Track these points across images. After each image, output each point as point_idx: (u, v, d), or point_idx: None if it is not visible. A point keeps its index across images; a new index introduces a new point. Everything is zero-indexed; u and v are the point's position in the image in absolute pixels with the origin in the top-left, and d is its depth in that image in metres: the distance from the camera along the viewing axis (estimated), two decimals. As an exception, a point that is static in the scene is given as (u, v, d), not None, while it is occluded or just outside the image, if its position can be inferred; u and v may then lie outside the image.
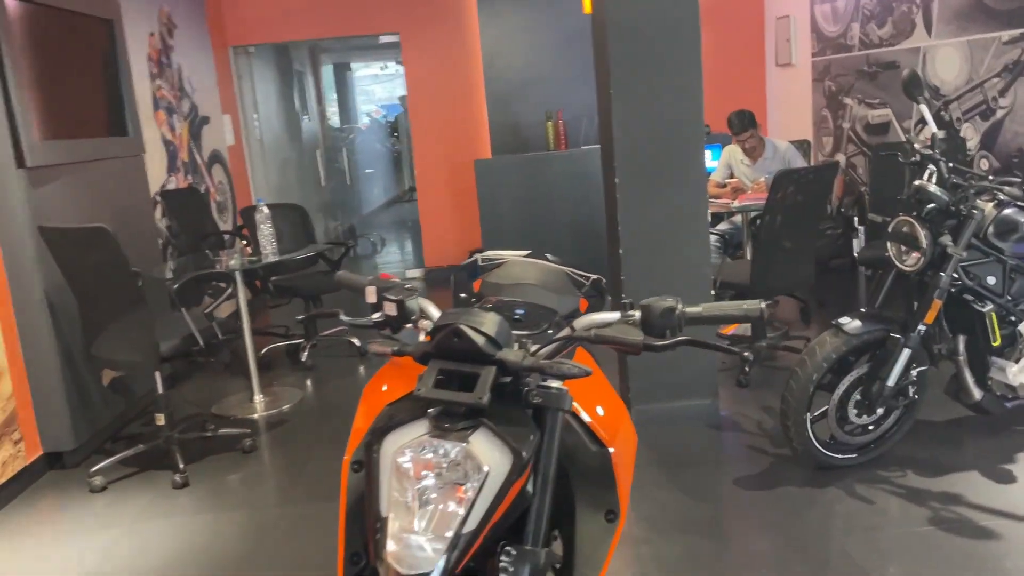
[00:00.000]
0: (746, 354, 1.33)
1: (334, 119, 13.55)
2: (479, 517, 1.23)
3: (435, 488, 1.25)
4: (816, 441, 3.17)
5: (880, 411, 3.15)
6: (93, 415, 4.04)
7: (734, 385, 4.26)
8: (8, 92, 3.57)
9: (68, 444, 3.87)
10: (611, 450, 1.48)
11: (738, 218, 5.22)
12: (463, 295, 2.41)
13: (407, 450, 1.29)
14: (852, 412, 3.14)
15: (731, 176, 5.43)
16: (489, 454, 1.26)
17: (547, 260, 2.55)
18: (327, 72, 13.83)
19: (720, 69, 7.12)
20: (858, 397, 3.12)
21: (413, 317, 1.56)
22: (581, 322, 1.45)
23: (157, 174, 5.41)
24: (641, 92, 3.55)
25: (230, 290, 3.81)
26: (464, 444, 1.26)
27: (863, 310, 3.14)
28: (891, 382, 3.05)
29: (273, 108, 8.67)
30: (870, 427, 3.20)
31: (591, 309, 2.46)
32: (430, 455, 1.27)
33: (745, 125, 5.08)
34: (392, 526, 1.25)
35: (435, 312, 1.57)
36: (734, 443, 3.61)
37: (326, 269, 5.64)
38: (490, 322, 1.32)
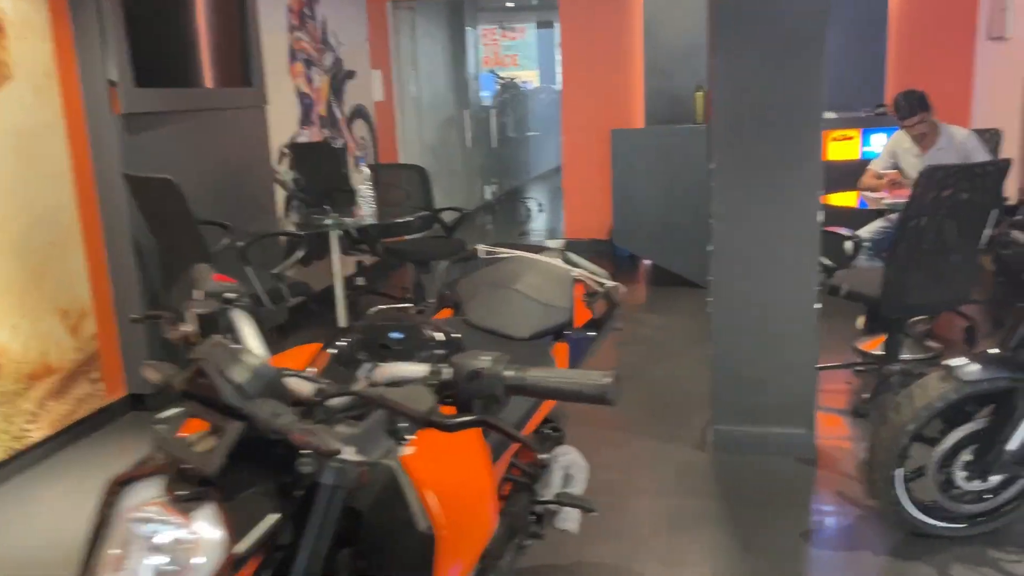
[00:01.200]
0: (542, 461, 0.94)
1: (535, 79, 13.45)
2: None
3: (149, 570, 0.98)
4: (910, 503, 2.59)
5: (996, 479, 2.51)
6: (177, 361, 4.12)
7: (850, 413, 3.65)
8: (105, 37, 3.62)
9: (148, 387, 3.97)
10: (435, 534, 1.15)
11: (896, 216, 4.47)
12: (446, 292, 2.11)
13: (139, 512, 1.02)
14: (960, 475, 2.53)
15: (896, 167, 4.66)
16: (208, 539, 0.97)
17: (563, 259, 2.18)
18: (530, 30, 13.71)
19: (919, 41, 6.17)
20: (969, 457, 2.51)
21: (218, 337, 1.28)
22: (382, 372, 1.11)
23: (288, 126, 5.45)
24: (749, 63, 3.02)
25: (299, 252, 3.72)
26: (182, 522, 0.98)
27: (991, 351, 2.51)
28: (1013, 446, 2.41)
29: (437, 65, 8.61)
30: (987, 495, 2.57)
31: (596, 323, 2.08)
32: (150, 526, 1.00)
33: (914, 108, 4.31)
34: None
35: (248, 334, 1.28)
36: (822, 485, 3.07)
37: (441, 235, 5.48)
38: (244, 365, 1.02)
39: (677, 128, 5.84)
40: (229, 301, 1.30)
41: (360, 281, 5.65)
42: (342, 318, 4.45)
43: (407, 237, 5.94)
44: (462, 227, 5.27)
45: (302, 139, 5.63)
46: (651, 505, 2.95)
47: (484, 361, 1.02)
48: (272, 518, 0.99)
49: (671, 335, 4.82)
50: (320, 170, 5.74)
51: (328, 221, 4.29)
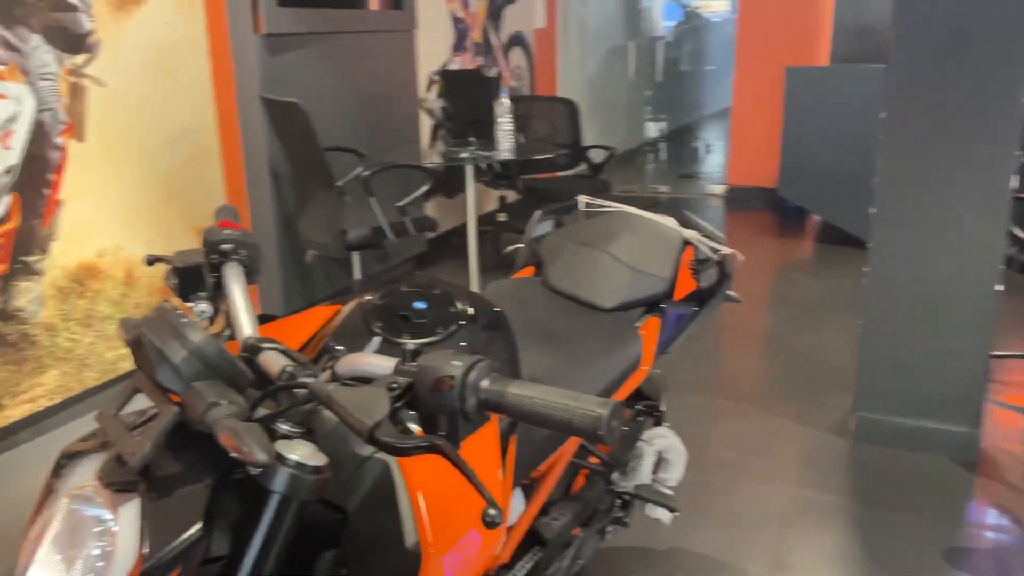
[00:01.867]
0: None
1: (726, 8, 12.58)
2: None
3: (70, 559, 0.85)
4: (1086, 537, 2.15)
5: None
6: (308, 288, 4.16)
7: (1029, 412, 3.14)
8: (251, -44, 3.57)
9: (279, 310, 4.03)
10: (422, 551, 0.95)
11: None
12: (532, 247, 1.88)
13: (77, 490, 0.89)
14: None
15: None
16: (127, 537, 0.82)
17: (679, 219, 1.89)
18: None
19: None
20: None
21: (203, 295, 1.11)
22: (346, 363, 0.90)
23: (439, 52, 5.30)
24: (942, -8, 2.52)
25: (426, 186, 3.57)
26: (107, 513, 0.84)
27: None
28: None
29: (608, -9, 8.17)
30: None
31: (701, 296, 1.79)
32: (78, 512, 0.86)
33: None
34: None
35: (237, 295, 1.10)
36: (981, 495, 2.63)
37: (587, 173, 5.21)
38: (183, 341, 0.84)
39: (860, 68, 5.18)
40: (224, 254, 1.14)
41: (502, 217, 5.49)
42: (473, 254, 4.32)
43: (558, 175, 5.71)
44: (621, 166, 4.95)
45: (453, 66, 5.47)
46: (768, 493, 2.65)
47: (454, 367, 0.80)
48: (193, 528, 0.83)
49: (825, 301, 4.36)
50: (470, 100, 5.57)
51: (464, 154, 4.13)
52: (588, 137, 6.73)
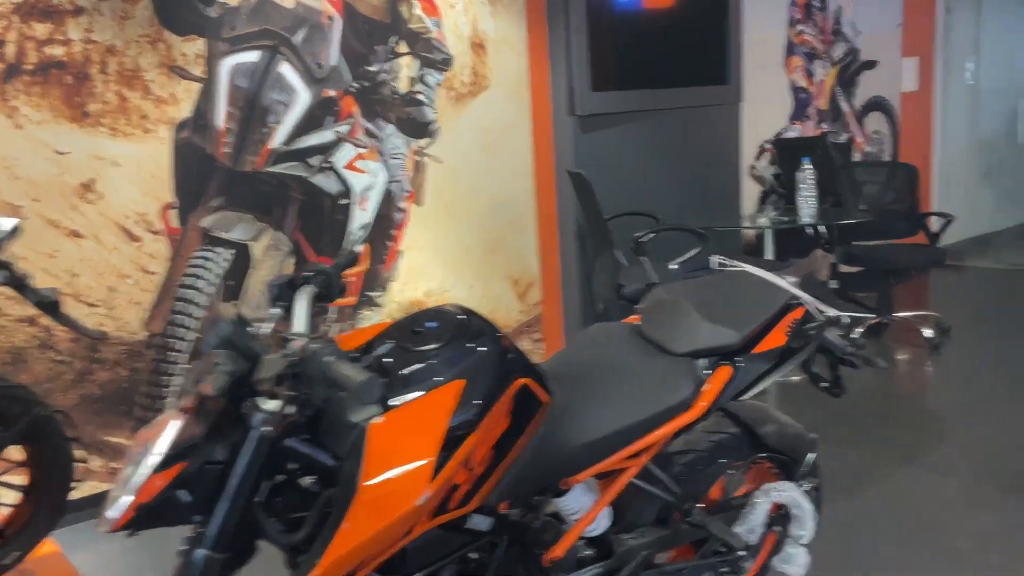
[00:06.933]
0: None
1: None
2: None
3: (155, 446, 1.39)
4: None
5: None
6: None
7: None
8: (570, 48, 4.19)
9: (580, 354, 4.53)
10: (355, 496, 1.34)
11: None
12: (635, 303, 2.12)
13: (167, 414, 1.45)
14: None
15: None
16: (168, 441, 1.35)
17: (804, 283, 2.00)
18: None
19: None
20: None
21: (280, 304, 1.59)
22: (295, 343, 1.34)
23: (774, 121, 5.44)
24: None
25: (696, 249, 3.77)
26: (173, 422, 1.38)
27: None
28: None
29: (1014, 47, 7.39)
30: None
31: (785, 354, 1.87)
32: (164, 422, 1.41)
33: None
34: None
35: (298, 308, 1.54)
36: None
37: (924, 243, 4.89)
38: (215, 329, 1.35)
39: None
40: (306, 279, 1.62)
41: (832, 284, 5.36)
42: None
43: (893, 242, 5.42)
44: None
45: (791, 134, 5.54)
46: None
47: (310, 343, 1.21)
48: (194, 440, 1.33)
49: None
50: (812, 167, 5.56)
51: (763, 220, 4.25)
52: (981, 205, 6.25)
